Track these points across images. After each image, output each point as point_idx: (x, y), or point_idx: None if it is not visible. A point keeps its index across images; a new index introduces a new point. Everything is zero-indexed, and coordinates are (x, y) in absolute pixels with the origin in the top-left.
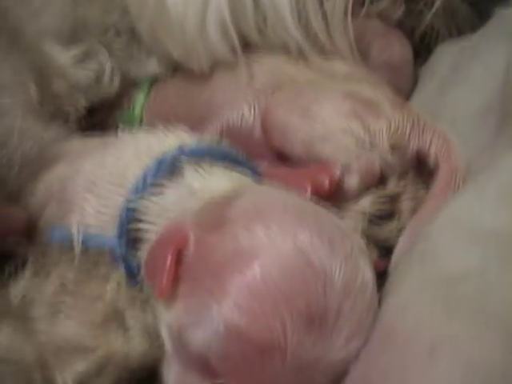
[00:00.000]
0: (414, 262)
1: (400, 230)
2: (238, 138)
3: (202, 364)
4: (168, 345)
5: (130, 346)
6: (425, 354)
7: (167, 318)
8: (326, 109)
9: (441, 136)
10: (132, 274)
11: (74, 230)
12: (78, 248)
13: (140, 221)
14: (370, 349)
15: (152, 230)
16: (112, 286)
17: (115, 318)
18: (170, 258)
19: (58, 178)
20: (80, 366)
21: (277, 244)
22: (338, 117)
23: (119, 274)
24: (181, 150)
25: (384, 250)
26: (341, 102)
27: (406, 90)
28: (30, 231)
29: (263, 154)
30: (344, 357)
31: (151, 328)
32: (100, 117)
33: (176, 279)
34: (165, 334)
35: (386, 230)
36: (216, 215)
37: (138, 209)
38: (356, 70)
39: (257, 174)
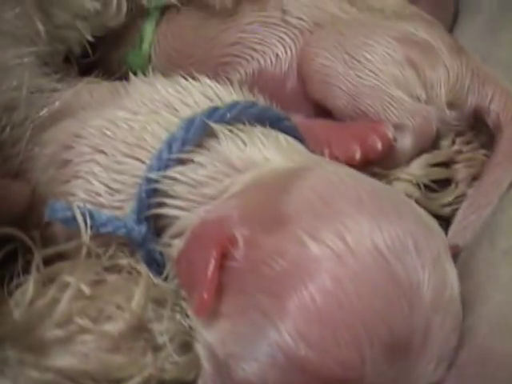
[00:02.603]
0: (500, 263)
1: (458, 200)
2: (269, 88)
3: None
4: (207, 369)
5: (164, 367)
6: None
7: (208, 338)
8: (377, 54)
9: (504, 91)
10: (154, 265)
11: (78, 211)
12: (85, 235)
13: (164, 198)
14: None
15: (181, 207)
16: (138, 296)
17: (141, 336)
18: (212, 264)
19: (60, 138)
20: None
21: (353, 253)
22: (392, 64)
23: (144, 277)
24: (214, 110)
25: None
26: (394, 46)
27: (446, 23)
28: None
29: (298, 107)
30: None
31: (187, 340)
32: (104, 54)
33: (219, 290)
34: (204, 357)
35: (442, 199)
36: (270, 208)
37: (161, 187)
38: (404, 1)
39: (298, 135)
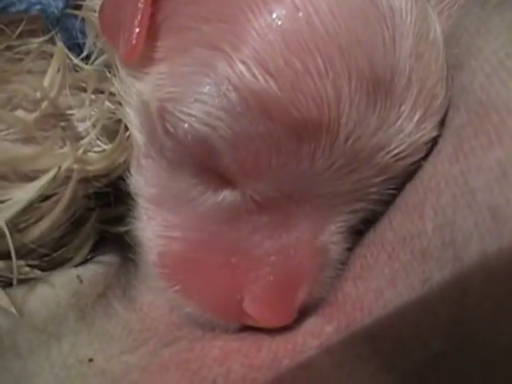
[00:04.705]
0: (491, 16)
1: None
2: None
3: (197, 158)
4: (140, 141)
5: (87, 158)
6: None
7: (140, 87)
8: None
9: None
10: (75, 48)
11: None
12: None
13: None
14: (458, 139)
15: None
16: (51, 76)
17: (58, 124)
18: None
19: None
20: (16, 200)
21: None
22: None
23: (59, 54)
24: None
25: None
26: None
27: None
28: None
29: None
30: (413, 144)
31: (112, 125)
32: None
33: (151, 33)
34: (135, 119)
35: None
36: None
37: None
38: None
39: None
